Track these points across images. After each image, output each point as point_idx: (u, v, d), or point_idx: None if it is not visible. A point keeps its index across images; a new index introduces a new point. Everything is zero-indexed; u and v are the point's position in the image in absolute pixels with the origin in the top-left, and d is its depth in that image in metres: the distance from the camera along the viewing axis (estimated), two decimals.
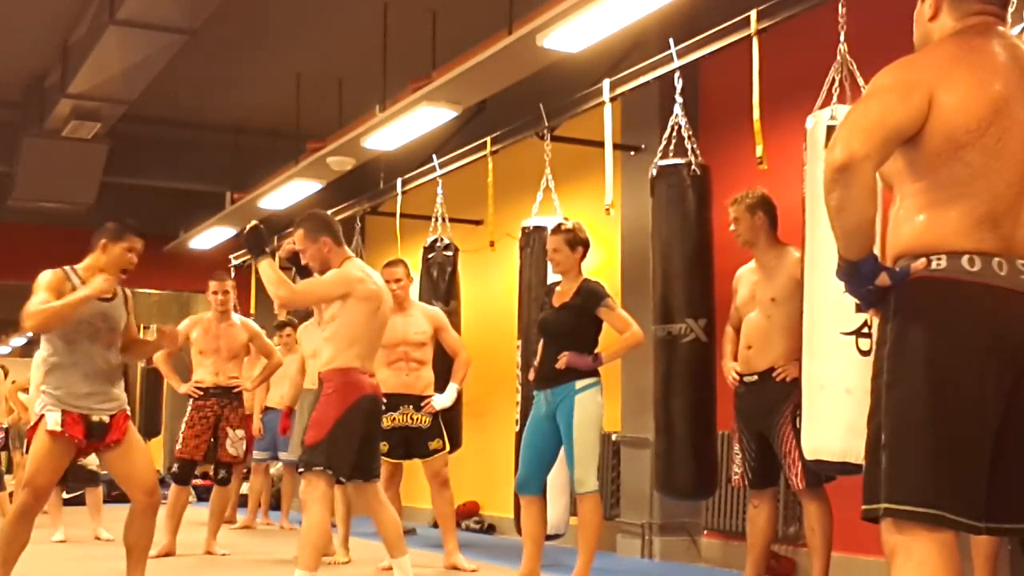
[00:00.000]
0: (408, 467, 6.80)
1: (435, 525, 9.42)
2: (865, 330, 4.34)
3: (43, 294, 4.62)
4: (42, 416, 4.67)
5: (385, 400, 6.49)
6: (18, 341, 24.20)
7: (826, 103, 4.75)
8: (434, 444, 6.46)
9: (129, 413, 4.88)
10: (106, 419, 4.72)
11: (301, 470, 4.81)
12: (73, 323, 4.66)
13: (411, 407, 6.41)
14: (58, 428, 4.62)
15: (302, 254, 4.99)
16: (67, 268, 4.76)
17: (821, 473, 4.72)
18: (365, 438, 4.79)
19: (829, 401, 4.44)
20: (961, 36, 2.53)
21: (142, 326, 4.97)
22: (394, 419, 6.40)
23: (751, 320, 5.15)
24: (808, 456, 4.57)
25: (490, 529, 9.13)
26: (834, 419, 4.38)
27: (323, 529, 4.67)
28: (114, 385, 4.81)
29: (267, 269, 4.73)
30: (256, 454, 9.39)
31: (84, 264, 4.80)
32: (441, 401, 6.42)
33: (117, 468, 4.85)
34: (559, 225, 5.59)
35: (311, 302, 4.86)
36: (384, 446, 6.40)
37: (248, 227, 4.90)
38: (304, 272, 5.04)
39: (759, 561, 5.15)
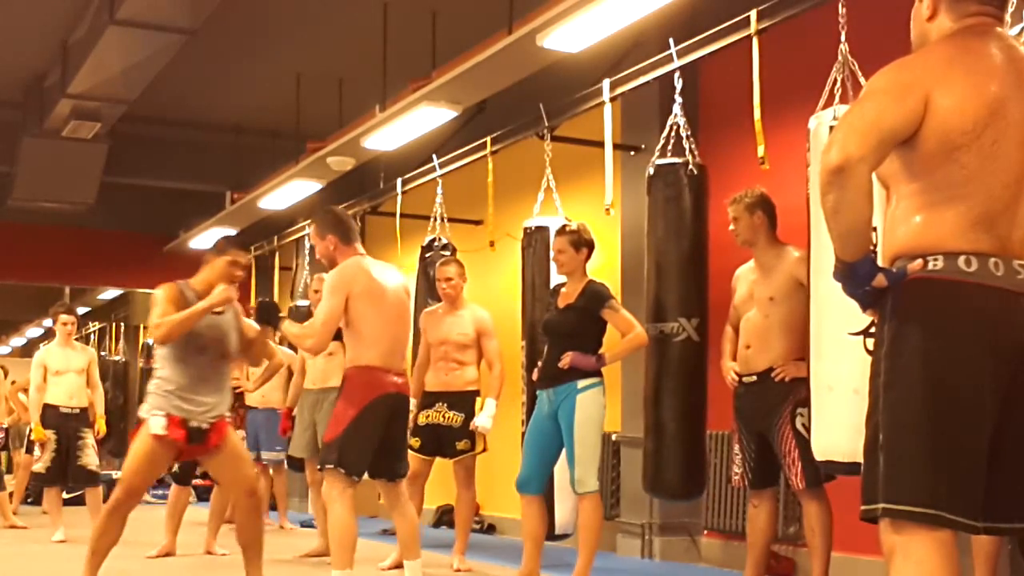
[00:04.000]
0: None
1: (436, 525, 9.46)
2: (872, 330, 4.33)
3: (164, 306, 4.82)
4: (145, 419, 4.87)
5: (423, 398, 6.55)
6: (18, 341, 24.18)
7: (828, 103, 4.75)
8: (462, 444, 6.49)
9: (228, 420, 5.08)
10: (205, 426, 4.90)
11: (319, 468, 4.90)
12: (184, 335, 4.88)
13: (445, 404, 6.46)
14: (162, 432, 4.81)
15: (315, 248, 5.08)
16: (180, 282, 4.94)
17: (824, 473, 4.72)
18: (385, 438, 4.78)
19: (838, 402, 4.43)
20: (958, 37, 2.53)
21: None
22: (428, 416, 6.47)
23: (749, 319, 5.15)
24: (818, 457, 4.56)
25: (490, 529, 9.13)
26: (843, 420, 4.36)
27: (347, 525, 4.67)
28: (217, 394, 4.98)
29: (289, 328, 4.98)
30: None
31: (196, 279, 4.97)
32: (483, 421, 6.41)
33: (218, 472, 5.19)
34: (564, 226, 5.60)
35: (332, 327, 4.83)
36: (416, 442, 6.44)
37: (259, 305, 5.15)
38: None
39: (759, 561, 5.15)
